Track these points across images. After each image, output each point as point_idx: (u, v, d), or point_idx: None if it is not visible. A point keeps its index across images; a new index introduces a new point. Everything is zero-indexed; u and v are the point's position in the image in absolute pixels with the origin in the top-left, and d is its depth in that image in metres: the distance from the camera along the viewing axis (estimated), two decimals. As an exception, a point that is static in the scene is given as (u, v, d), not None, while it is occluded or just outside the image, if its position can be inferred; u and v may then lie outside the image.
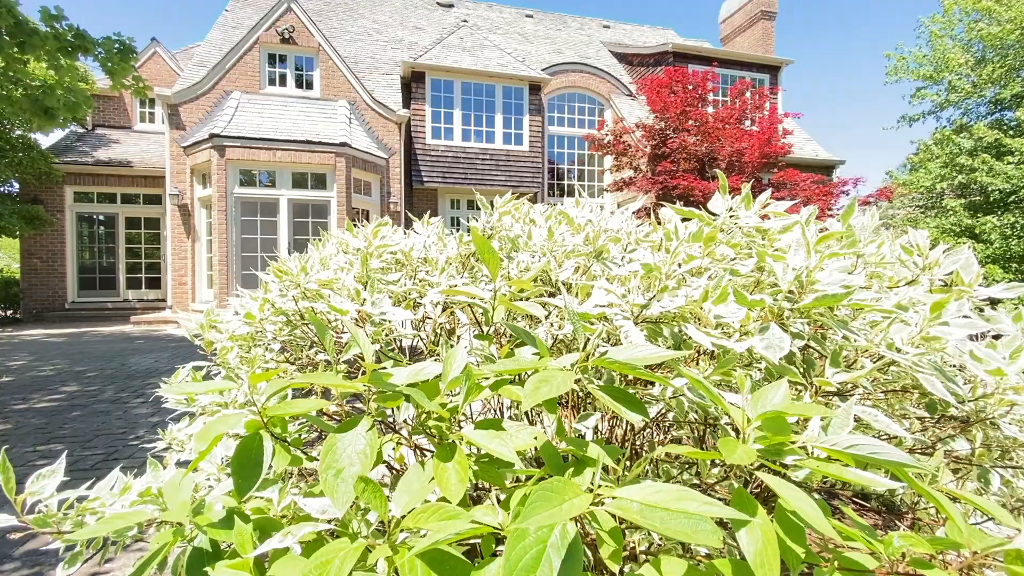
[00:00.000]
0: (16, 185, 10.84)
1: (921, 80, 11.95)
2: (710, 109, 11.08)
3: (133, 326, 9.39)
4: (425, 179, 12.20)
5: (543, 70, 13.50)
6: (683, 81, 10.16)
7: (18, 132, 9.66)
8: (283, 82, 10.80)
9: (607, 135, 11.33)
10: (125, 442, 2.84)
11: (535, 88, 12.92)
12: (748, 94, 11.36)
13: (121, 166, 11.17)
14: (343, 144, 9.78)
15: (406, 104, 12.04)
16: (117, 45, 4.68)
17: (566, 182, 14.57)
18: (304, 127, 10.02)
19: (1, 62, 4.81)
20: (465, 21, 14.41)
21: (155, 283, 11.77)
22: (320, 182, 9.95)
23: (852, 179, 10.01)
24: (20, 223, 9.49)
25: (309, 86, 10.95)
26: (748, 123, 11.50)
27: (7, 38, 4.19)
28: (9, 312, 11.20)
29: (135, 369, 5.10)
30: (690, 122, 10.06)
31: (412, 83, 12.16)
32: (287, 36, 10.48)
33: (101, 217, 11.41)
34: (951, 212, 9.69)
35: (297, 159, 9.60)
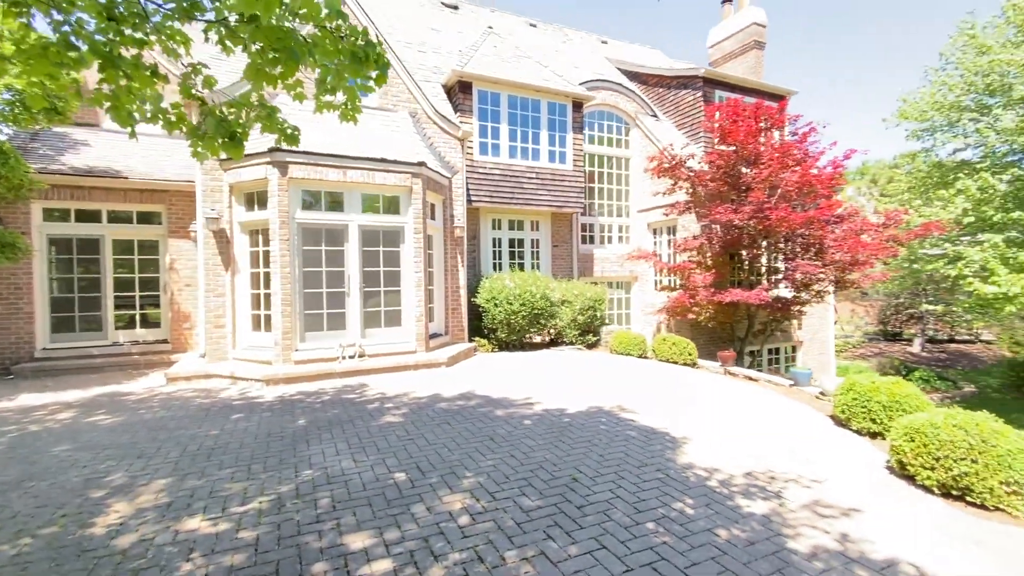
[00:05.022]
0: (-43, 199, 8.17)
1: (917, 123, 13.34)
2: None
3: (169, 383, 7.45)
4: (473, 198, 11.25)
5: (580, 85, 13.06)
6: (757, 113, 10.29)
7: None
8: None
9: (671, 159, 11.19)
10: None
11: (578, 105, 12.47)
12: (791, 125, 11.84)
13: (109, 177, 8.89)
14: (421, 163, 8.60)
15: (452, 116, 10.96)
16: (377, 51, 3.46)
17: (596, 201, 14.27)
18: (373, 143, 8.66)
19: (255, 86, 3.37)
20: (491, 27, 13.51)
21: (153, 321, 9.55)
22: (392, 206, 8.67)
23: (897, 210, 10.80)
24: (-9, 254, 7.12)
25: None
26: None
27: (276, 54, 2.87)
28: (-52, 367, 8.42)
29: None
30: (763, 151, 10.21)
31: (459, 93, 11.12)
32: (342, 33, 8.97)
33: (80, 241, 9.00)
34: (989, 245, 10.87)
35: (371, 180, 8.27)
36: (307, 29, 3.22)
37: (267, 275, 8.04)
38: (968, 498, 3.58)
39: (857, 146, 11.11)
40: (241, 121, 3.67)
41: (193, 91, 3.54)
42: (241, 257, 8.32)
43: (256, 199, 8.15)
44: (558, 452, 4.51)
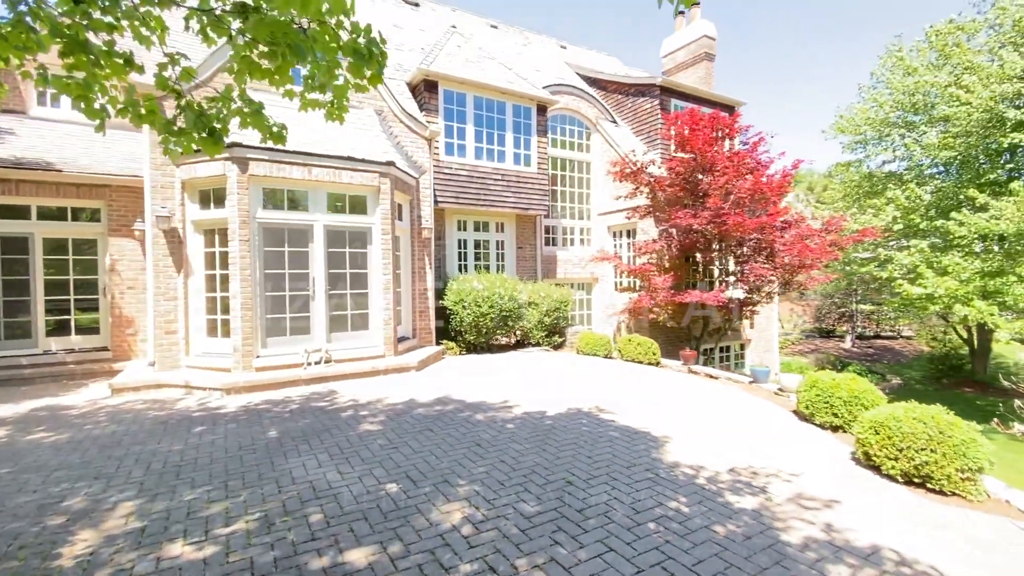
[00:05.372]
0: None
1: (851, 136, 14.44)
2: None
3: (115, 395, 6.88)
4: (439, 199, 11.11)
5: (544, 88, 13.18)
6: (714, 123, 10.76)
7: None
8: (298, 80, 8.87)
9: (633, 164, 11.51)
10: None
11: (542, 108, 12.59)
12: (743, 134, 12.46)
13: (41, 169, 8.11)
14: (389, 163, 8.40)
15: (417, 115, 10.79)
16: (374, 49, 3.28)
17: (558, 203, 14.45)
18: (338, 140, 8.37)
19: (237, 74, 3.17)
20: (454, 27, 13.39)
21: (90, 327, 8.79)
22: (359, 206, 8.42)
23: (836, 217, 11.61)
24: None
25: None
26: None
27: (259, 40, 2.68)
28: None
29: None
30: (719, 160, 10.70)
31: (425, 92, 10.96)
32: (305, 25, 8.61)
33: (5, 239, 8.15)
34: (916, 250, 11.92)
35: (337, 178, 7.99)
36: (304, 23, 3.07)
37: (224, 277, 7.60)
38: (928, 485, 3.90)
39: (796, 152, 12.33)
40: (222, 115, 3.45)
41: (170, 83, 3.29)
42: (195, 258, 7.81)
43: (212, 197, 7.69)
44: (547, 456, 4.53)
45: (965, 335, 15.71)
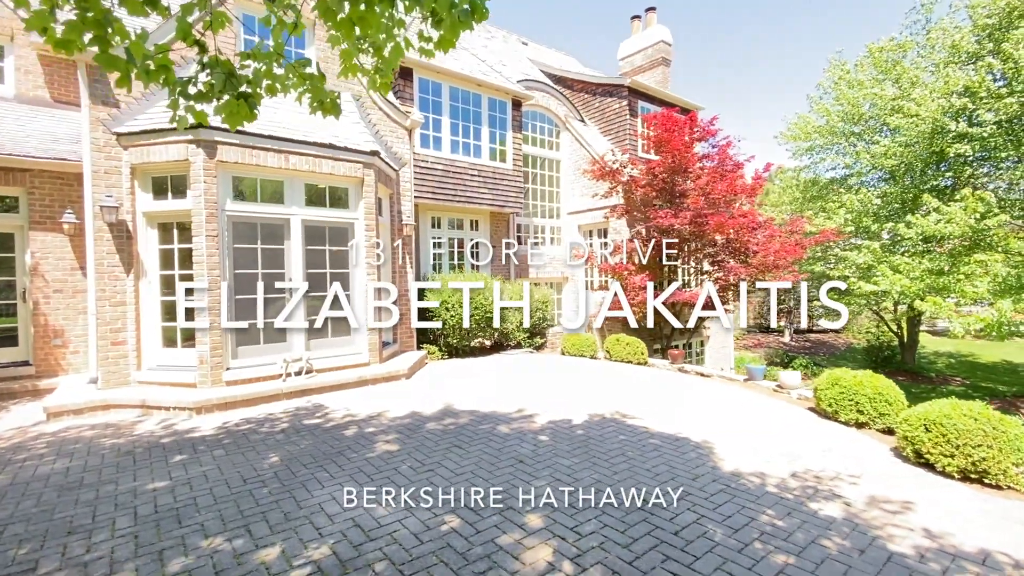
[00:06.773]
0: None
1: (802, 142, 15.32)
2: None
3: (52, 420, 5.71)
4: (415, 193, 10.43)
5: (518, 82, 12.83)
6: (690, 126, 10.90)
7: None
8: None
9: (614, 164, 11.42)
10: None
11: (517, 103, 12.26)
12: (717, 137, 12.78)
13: (-62, 147, 6.66)
14: (374, 153, 7.71)
15: (391, 103, 10.07)
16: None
17: (529, 201, 14.15)
18: (316, 126, 7.55)
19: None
20: (422, 14, 12.69)
21: (7, 338, 7.36)
22: (341, 199, 7.66)
23: (799, 218, 12.18)
24: None
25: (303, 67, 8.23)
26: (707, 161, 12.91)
27: None
28: None
29: None
30: (696, 164, 10.86)
31: (399, 80, 10.27)
32: (275, -4, 7.69)
33: None
34: (866, 250, 12.73)
35: (317, 168, 7.20)
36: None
37: (185, 278, 6.60)
38: (985, 480, 3.96)
39: (748, 155, 12.96)
40: (260, 76, 2.80)
41: (194, 32, 2.60)
42: (148, 256, 6.72)
43: (170, 185, 6.65)
44: (602, 471, 4.18)
45: (896, 328, 17.21)
